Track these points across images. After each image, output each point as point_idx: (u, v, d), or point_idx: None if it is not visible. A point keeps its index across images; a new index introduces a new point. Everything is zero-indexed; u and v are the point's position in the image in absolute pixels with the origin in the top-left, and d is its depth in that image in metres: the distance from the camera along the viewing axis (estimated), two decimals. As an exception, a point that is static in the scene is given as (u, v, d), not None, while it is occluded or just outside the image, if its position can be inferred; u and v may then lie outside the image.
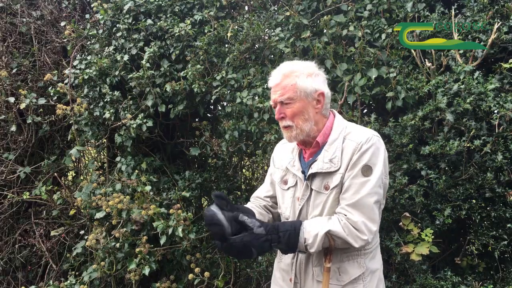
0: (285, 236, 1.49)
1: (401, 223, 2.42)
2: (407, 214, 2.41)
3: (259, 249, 1.47)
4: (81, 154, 3.77)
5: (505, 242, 2.31)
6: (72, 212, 3.14)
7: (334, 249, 1.53)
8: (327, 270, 1.53)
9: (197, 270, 2.64)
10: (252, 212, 1.69)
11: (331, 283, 1.56)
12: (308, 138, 1.61)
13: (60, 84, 3.06)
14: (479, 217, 2.32)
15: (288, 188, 1.69)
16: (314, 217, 1.57)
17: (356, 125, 1.65)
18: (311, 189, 1.60)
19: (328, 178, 1.55)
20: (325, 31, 2.72)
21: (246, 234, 1.46)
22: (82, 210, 3.00)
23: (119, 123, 3.00)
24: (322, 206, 1.56)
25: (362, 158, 1.49)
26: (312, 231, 1.49)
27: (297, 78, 1.57)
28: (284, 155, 1.77)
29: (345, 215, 1.49)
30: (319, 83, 1.61)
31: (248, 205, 1.84)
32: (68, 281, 2.93)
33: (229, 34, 2.85)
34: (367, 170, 1.48)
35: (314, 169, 1.57)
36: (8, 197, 3.40)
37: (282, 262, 1.75)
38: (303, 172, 1.64)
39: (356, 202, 1.47)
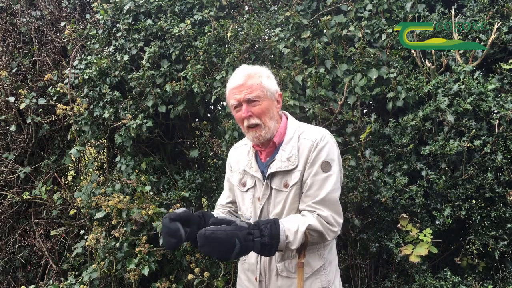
0: (267, 228, 1.48)
1: (399, 225, 2.42)
2: (405, 215, 2.41)
3: (243, 241, 1.42)
4: (81, 154, 3.77)
5: (505, 242, 2.31)
6: (72, 212, 3.14)
7: (307, 244, 1.55)
8: (301, 266, 1.57)
9: (197, 270, 2.63)
10: (213, 216, 1.68)
11: (295, 277, 1.61)
12: (270, 137, 1.66)
13: (60, 84, 3.06)
14: (479, 217, 2.33)
15: (247, 190, 1.73)
16: (276, 215, 1.62)
17: (308, 124, 1.73)
18: (271, 188, 1.65)
19: (287, 176, 1.61)
20: (325, 31, 2.72)
21: (229, 226, 1.44)
22: (82, 210, 3.00)
23: (119, 123, 3.00)
24: (282, 204, 1.62)
25: (320, 155, 1.57)
26: (292, 228, 1.49)
27: (261, 78, 1.63)
28: (240, 158, 1.80)
29: (315, 211, 1.54)
30: (276, 85, 1.70)
31: (214, 212, 1.85)
32: (68, 281, 2.93)
33: (229, 34, 2.85)
34: (326, 166, 1.56)
35: (273, 168, 1.63)
36: (8, 197, 3.40)
37: (246, 263, 1.78)
38: (262, 172, 1.68)
39: (323, 198, 1.54)
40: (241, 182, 1.77)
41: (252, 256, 1.74)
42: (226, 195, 1.92)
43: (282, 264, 1.65)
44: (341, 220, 1.58)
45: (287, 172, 1.60)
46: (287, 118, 1.74)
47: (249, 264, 1.77)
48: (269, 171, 1.63)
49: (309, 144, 1.59)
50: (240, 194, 1.78)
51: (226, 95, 1.71)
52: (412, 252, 2.36)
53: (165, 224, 1.51)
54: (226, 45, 3.02)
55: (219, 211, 1.89)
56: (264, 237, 1.47)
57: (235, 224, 1.46)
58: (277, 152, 1.65)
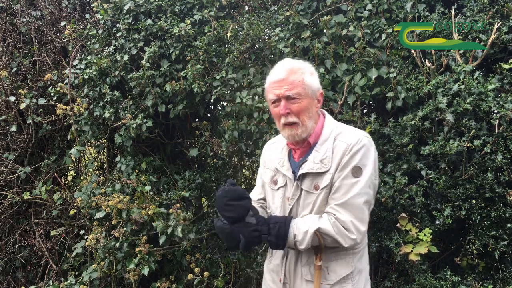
0: (275, 227, 1.50)
1: (398, 224, 2.42)
2: (404, 215, 2.41)
3: (248, 238, 1.49)
4: (81, 154, 3.77)
5: (505, 242, 2.31)
6: (72, 212, 3.14)
7: (324, 247, 1.54)
8: (318, 269, 1.55)
9: (196, 270, 2.64)
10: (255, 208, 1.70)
11: (320, 282, 1.57)
12: (306, 137, 1.61)
13: (60, 84, 3.06)
14: (479, 217, 2.32)
15: (278, 188, 1.69)
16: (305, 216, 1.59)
17: (347, 125, 1.66)
18: (301, 189, 1.60)
19: (318, 178, 1.56)
20: (325, 31, 2.72)
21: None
22: (82, 210, 3.00)
23: (119, 123, 3.00)
24: (311, 206, 1.58)
25: (353, 160, 1.50)
26: (302, 228, 1.50)
27: (304, 74, 1.56)
28: (273, 155, 1.76)
29: (334, 215, 1.50)
30: (319, 83, 1.63)
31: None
32: (68, 281, 2.93)
33: (229, 34, 2.85)
34: (357, 171, 1.50)
35: (304, 169, 1.58)
36: (8, 197, 3.39)
37: (272, 263, 1.76)
38: (293, 172, 1.64)
39: (346, 202, 1.49)
40: (272, 180, 1.72)
41: (278, 257, 1.71)
42: (258, 192, 1.87)
43: (307, 268, 1.61)
44: (363, 228, 1.49)
45: (318, 174, 1.55)
46: (324, 117, 1.67)
47: (274, 265, 1.74)
48: (301, 171, 1.58)
49: (343, 147, 1.53)
50: (270, 192, 1.74)
51: (265, 88, 1.64)
52: (412, 250, 2.36)
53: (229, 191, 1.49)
54: (226, 45, 3.02)
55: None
56: (271, 236, 1.50)
57: (249, 216, 1.52)
58: (310, 153, 1.59)
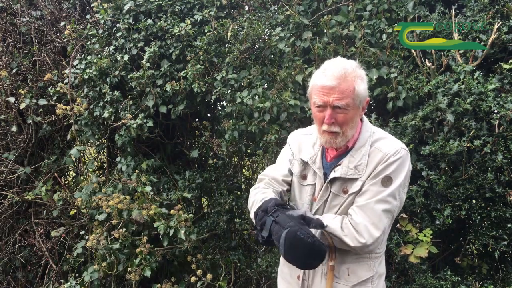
0: (312, 228, 1.45)
1: (398, 225, 2.42)
2: (404, 215, 2.41)
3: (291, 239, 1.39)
4: (81, 154, 3.77)
5: (505, 242, 2.31)
6: (72, 212, 3.14)
7: (334, 247, 1.53)
8: (331, 269, 1.55)
9: (199, 272, 2.64)
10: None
11: (339, 283, 1.56)
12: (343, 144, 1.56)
13: (60, 84, 3.05)
14: (479, 217, 2.32)
15: (307, 185, 1.65)
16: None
17: (384, 132, 1.61)
18: (330, 191, 1.58)
19: (349, 183, 1.53)
20: (325, 31, 2.72)
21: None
22: (82, 210, 3.00)
23: (119, 123, 3.00)
24: (338, 208, 1.56)
25: (386, 170, 1.47)
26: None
27: (355, 82, 1.46)
28: (303, 147, 1.69)
29: (351, 215, 1.49)
30: (367, 89, 1.54)
31: (267, 191, 1.70)
32: (68, 283, 2.93)
33: (229, 34, 2.85)
34: (387, 181, 1.47)
35: (337, 173, 1.54)
36: (8, 197, 3.39)
37: None
38: (324, 173, 1.61)
39: (365, 205, 1.47)
40: (301, 174, 1.68)
41: None
42: (284, 173, 1.73)
43: (327, 267, 1.59)
44: (376, 234, 1.44)
45: (350, 180, 1.52)
46: (362, 121, 1.60)
47: None
48: (333, 174, 1.55)
49: (380, 156, 1.49)
50: (298, 186, 1.69)
51: (311, 86, 1.54)
52: (412, 252, 2.36)
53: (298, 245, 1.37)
54: (226, 45, 3.02)
55: (271, 191, 1.70)
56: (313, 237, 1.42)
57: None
58: (345, 156, 1.55)
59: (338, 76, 1.45)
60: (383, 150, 1.50)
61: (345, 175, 1.52)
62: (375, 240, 1.46)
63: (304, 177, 1.67)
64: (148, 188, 2.82)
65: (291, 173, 1.73)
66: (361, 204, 1.48)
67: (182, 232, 2.58)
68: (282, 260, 1.82)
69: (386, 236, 1.61)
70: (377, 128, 1.62)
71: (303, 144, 1.71)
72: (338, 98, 1.44)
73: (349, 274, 1.56)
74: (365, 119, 1.62)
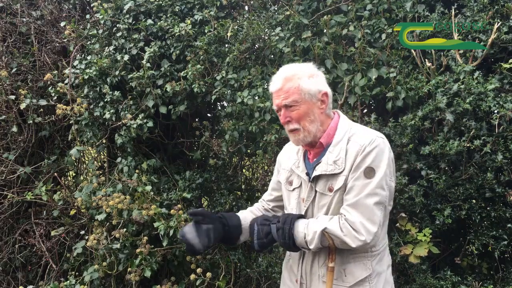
0: (283, 216, 1.58)
1: (398, 224, 2.42)
2: (403, 215, 2.41)
3: (259, 226, 1.60)
4: (81, 154, 3.77)
5: (505, 242, 2.31)
6: (72, 212, 3.14)
7: (335, 248, 1.53)
8: (331, 270, 1.54)
9: (199, 270, 2.64)
10: (237, 216, 1.80)
11: (337, 284, 1.56)
12: (315, 139, 1.61)
13: (60, 84, 3.06)
14: (479, 217, 2.32)
15: (294, 189, 1.70)
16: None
17: (362, 126, 1.64)
18: (316, 191, 1.60)
19: (332, 179, 1.55)
20: (325, 31, 2.72)
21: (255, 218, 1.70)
22: (82, 210, 3.00)
23: (119, 123, 3.00)
24: (327, 208, 1.57)
25: (365, 160, 1.49)
26: (313, 227, 1.51)
27: (300, 80, 1.56)
28: (290, 155, 1.77)
29: (345, 215, 1.49)
30: (321, 83, 1.62)
31: (252, 207, 1.95)
32: (68, 282, 2.93)
33: (229, 34, 2.85)
34: (369, 172, 1.48)
35: (318, 171, 1.58)
36: (8, 197, 3.39)
37: (290, 262, 1.77)
38: (307, 174, 1.64)
39: (356, 202, 1.47)
40: (288, 181, 1.74)
41: (295, 257, 1.71)
42: (269, 192, 1.92)
43: (325, 269, 1.59)
44: (373, 229, 1.46)
45: (332, 176, 1.55)
46: (339, 117, 1.66)
47: (291, 264, 1.75)
48: (314, 173, 1.59)
49: (357, 148, 1.51)
50: (286, 193, 1.75)
51: None
52: (411, 252, 2.36)
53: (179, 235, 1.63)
54: (226, 45, 3.02)
55: (254, 208, 1.94)
56: (278, 223, 1.57)
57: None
58: (324, 154, 1.59)
59: (282, 78, 1.59)
60: (359, 142, 1.52)
61: (325, 171, 1.55)
62: (374, 236, 1.47)
63: (290, 183, 1.73)
64: (148, 188, 2.82)
65: (276, 191, 1.86)
66: (352, 202, 1.48)
67: None
68: (283, 265, 1.85)
69: (385, 230, 1.62)
70: (356, 124, 1.66)
71: (289, 153, 1.79)
72: (284, 98, 1.56)
73: (345, 275, 1.56)
74: (342, 115, 1.68)
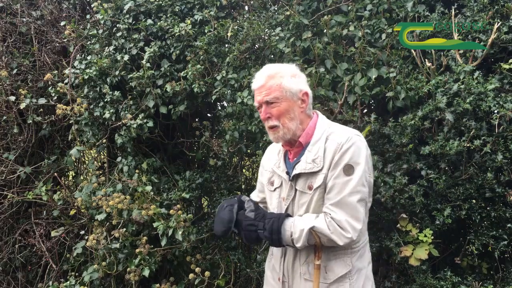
0: (269, 222, 1.55)
1: (398, 225, 2.42)
2: (404, 215, 2.41)
3: (246, 231, 1.58)
4: (81, 154, 3.77)
5: (505, 242, 2.31)
6: (72, 212, 3.14)
7: (321, 246, 1.55)
8: (317, 268, 1.56)
9: (197, 270, 2.64)
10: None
11: (319, 281, 1.59)
12: (294, 138, 1.64)
13: (60, 84, 3.06)
14: (479, 217, 2.32)
15: (275, 189, 1.73)
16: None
17: (339, 125, 1.68)
18: (296, 189, 1.63)
19: (312, 178, 1.58)
20: (325, 31, 2.72)
21: (240, 212, 1.62)
22: (82, 210, 3.00)
23: (119, 123, 3.00)
24: (306, 206, 1.60)
25: (343, 158, 1.52)
26: (299, 226, 1.53)
27: (282, 78, 1.60)
28: (271, 157, 1.81)
29: (330, 214, 1.52)
30: (303, 84, 1.66)
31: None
32: (68, 282, 2.93)
33: (229, 34, 2.85)
34: (348, 169, 1.51)
35: (297, 170, 1.61)
36: (8, 197, 3.39)
37: (272, 262, 1.80)
38: (287, 173, 1.67)
39: (339, 201, 1.50)
40: (269, 181, 1.77)
41: (277, 256, 1.74)
42: (256, 194, 1.97)
43: (306, 267, 1.62)
44: (358, 226, 1.50)
45: (311, 174, 1.57)
46: (318, 117, 1.70)
47: (274, 263, 1.77)
48: (294, 172, 1.62)
49: (334, 146, 1.55)
50: (268, 193, 1.79)
51: None
52: (412, 254, 2.36)
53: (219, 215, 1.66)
54: (226, 45, 3.02)
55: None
56: (265, 231, 1.55)
57: (243, 212, 1.63)
58: (303, 153, 1.62)
59: (265, 76, 1.62)
60: (336, 140, 1.56)
61: (305, 170, 1.58)
62: (358, 232, 1.51)
63: (271, 183, 1.76)
64: (148, 188, 2.82)
65: (262, 192, 1.88)
66: (336, 201, 1.51)
67: (180, 232, 2.58)
68: (266, 264, 1.89)
69: (365, 226, 1.66)
70: (334, 123, 1.69)
71: (271, 154, 1.83)
72: (266, 94, 1.60)
73: (326, 272, 1.59)
74: (321, 115, 1.72)
